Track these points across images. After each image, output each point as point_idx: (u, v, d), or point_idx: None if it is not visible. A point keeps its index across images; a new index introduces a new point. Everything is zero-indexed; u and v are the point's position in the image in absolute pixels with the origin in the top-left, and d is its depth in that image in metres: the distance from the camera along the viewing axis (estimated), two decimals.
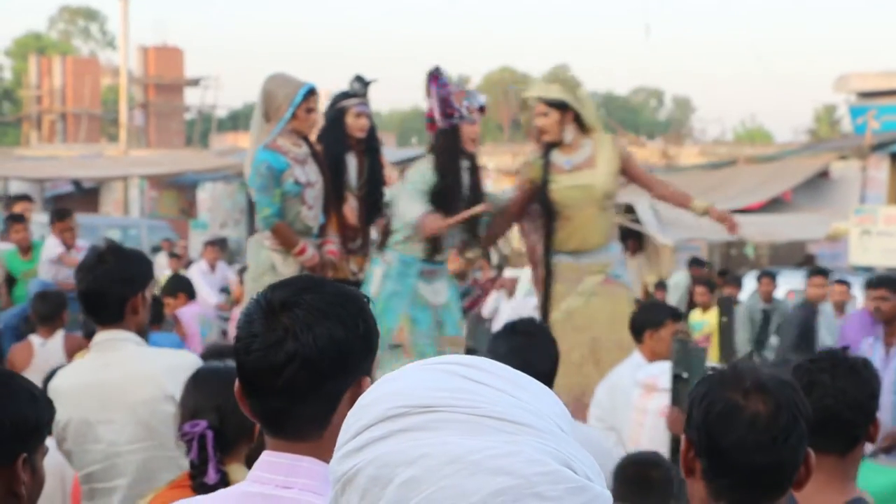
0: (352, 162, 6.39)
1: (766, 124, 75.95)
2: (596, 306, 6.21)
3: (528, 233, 6.59)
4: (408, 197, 6.00)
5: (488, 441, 1.05)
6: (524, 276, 11.39)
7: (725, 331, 10.90)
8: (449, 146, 6.03)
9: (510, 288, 12.81)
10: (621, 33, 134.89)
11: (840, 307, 10.29)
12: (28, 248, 9.78)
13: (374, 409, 1.10)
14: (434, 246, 6.07)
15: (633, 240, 17.75)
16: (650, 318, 5.34)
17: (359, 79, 6.48)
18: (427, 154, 6.21)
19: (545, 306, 6.28)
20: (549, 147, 6.33)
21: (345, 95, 6.41)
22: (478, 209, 6.06)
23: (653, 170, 22.72)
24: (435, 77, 6.07)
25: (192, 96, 42.94)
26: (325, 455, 1.75)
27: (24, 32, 64.25)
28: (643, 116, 73.55)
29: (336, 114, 6.37)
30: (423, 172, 6.07)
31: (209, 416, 2.85)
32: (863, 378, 2.77)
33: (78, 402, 3.73)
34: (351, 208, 6.36)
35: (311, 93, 6.01)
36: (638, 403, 5.01)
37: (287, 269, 5.89)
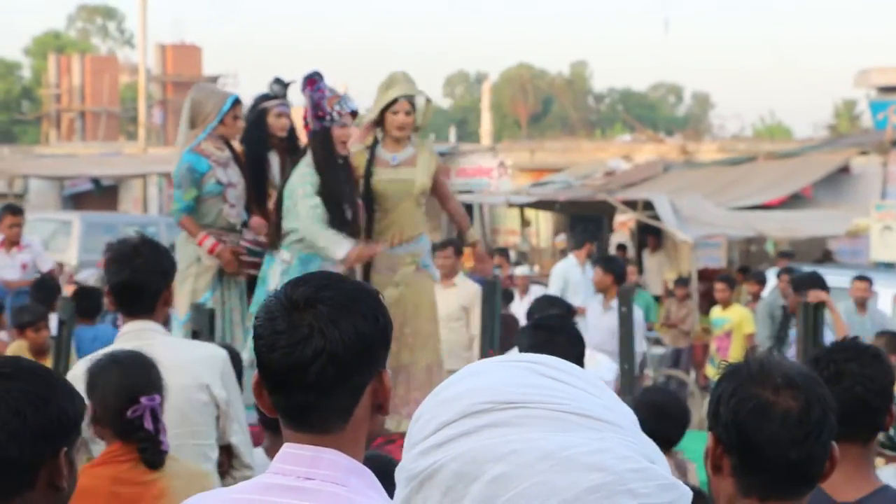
0: (275, 160, 6.79)
1: (785, 120, 75.54)
2: (406, 296, 6.54)
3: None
4: (304, 209, 6.20)
5: (577, 437, 1.05)
6: (561, 271, 11.36)
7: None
8: (322, 147, 6.27)
9: (523, 286, 12.76)
10: (640, 29, 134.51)
11: (861, 304, 10.22)
12: None
13: (455, 406, 1.09)
14: (368, 267, 6.43)
15: (653, 237, 17.71)
16: (542, 313, 5.67)
17: (278, 81, 6.88)
18: (305, 154, 6.38)
19: None
20: (375, 142, 6.60)
21: (265, 97, 6.81)
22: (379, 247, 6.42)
23: (672, 167, 22.72)
24: (312, 81, 6.32)
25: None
26: (346, 447, 1.81)
27: (43, 31, 64.50)
28: (662, 112, 73.34)
29: (258, 114, 6.75)
30: (304, 173, 6.27)
31: (151, 393, 3.09)
32: (885, 365, 2.81)
33: None
34: (275, 204, 6.56)
35: (237, 102, 6.50)
36: None
37: (209, 261, 6.37)
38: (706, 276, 15.27)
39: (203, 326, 5.51)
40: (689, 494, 1.08)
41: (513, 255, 18.88)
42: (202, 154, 6.38)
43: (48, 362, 5.77)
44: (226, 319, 6.49)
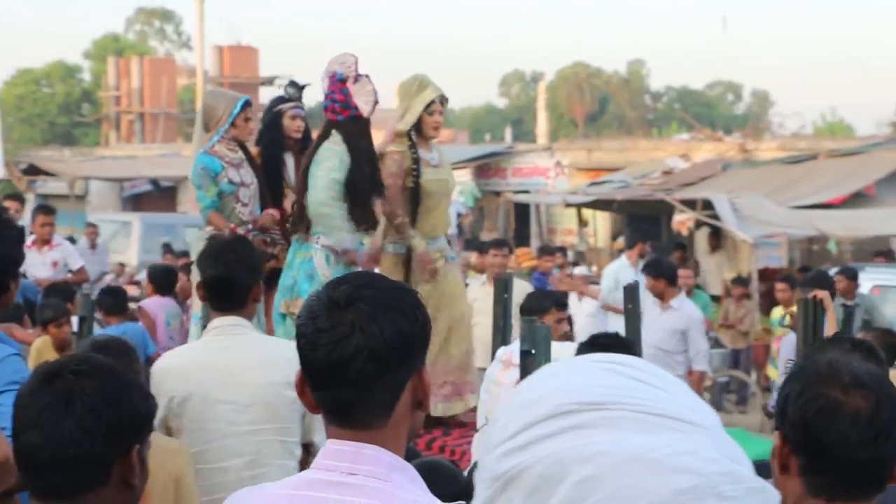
0: (290, 160, 7.00)
1: (847, 117, 74.63)
2: (438, 287, 6.79)
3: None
4: (325, 187, 6.30)
5: (663, 439, 1.04)
6: (612, 271, 11.26)
7: None
8: (358, 134, 6.39)
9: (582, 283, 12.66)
10: (697, 26, 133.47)
11: None
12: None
13: (539, 407, 1.07)
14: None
15: (713, 236, 17.51)
16: (536, 305, 5.95)
17: (293, 84, 7.19)
18: (328, 137, 6.42)
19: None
20: (412, 143, 6.76)
21: (280, 100, 7.10)
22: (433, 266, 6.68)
23: (731, 166, 22.47)
24: (336, 78, 6.49)
25: (266, 95, 43.15)
26: (388, 443, 1.84)
27: (102, 34, 65.25)
28: (720, 111, 72.72)
29: (273, 117, 7.02)
30: (337, 151, 6.34)
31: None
32: (879, 359, 2.95)
33: (200, 380, 3.77)
34: (291, 203, 6.80)
35: (247, 104, 6.70)
36: (496, 377, 5.41)
37: None
38: (767, 275, 15.08)
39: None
40: (777, 497, 1.07)
41: (570, 255, 18.77)
42: (215, 156, 6.60)
43: None
44: None
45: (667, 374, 1.13)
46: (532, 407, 1.08)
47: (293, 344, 4.34)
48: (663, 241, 20.65)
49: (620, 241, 21.46)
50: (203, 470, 3.75)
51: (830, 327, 6.98)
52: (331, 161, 6.33)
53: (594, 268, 18.72)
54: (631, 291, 6.86)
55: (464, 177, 26.10)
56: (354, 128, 6.40)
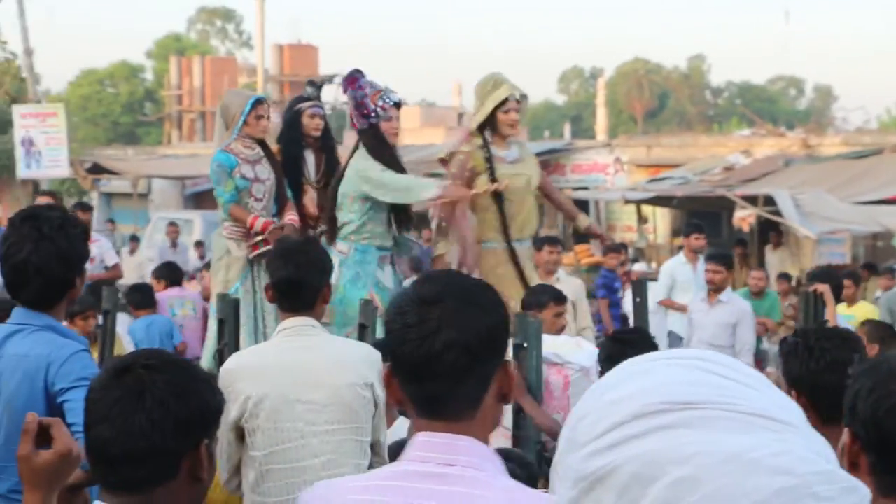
0: (310, 158, 7.19)
1: None
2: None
3: (453, 219, 6.88)
4: (380, 173, 6.54)
5: (759, 439, 1.02)
6: (668, 268, 11.17)
7: None
8: (375, 141, 6.63)
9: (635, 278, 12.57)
10: (759, 20, 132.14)
11: None
12: None
13: (627, 406, 1.06)
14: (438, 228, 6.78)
15: (775, 233, 17.32)
16: (535, 300, 6.08)
17: (312, 83, 7.44)
18: (358, 150, 6.73)
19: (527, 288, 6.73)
20: (486, 142, 6.79)
21: (300, 99, 7.28)
22: (500, 185, 6.63)
23: (793, 161, 22.22)
24: (353, 80, 6.69)
25: (326, 93, 43.42)
26: (477, 434, 1.90)
27: (164, 34, 65.98)
28: (782, 106, 71.93)
29: (293, 115, 7.18)
30: (367, 161, 6.60)
31: None
32: (863, 348, 3.12)
33: (276, 380, 3.79)
34: (311, 199, 7.12)
35: (258, 103, 6.92)
36: None
37: (240, 252, 6.80)
38: None
39: (228, 315, 5.66)
40: (869, 496, 1.06)
41: (630, 251, 18.67)
42: (231, 152, 6.85)
43: (95, 349, 5.96)
44: (257, 307, 6.78)
45: (750, 370, 1.12)
46: (619, 406, 1.07)
47: (364, 345, 4.34)
48: (724, 237, 20.47)
49: (680, 238, 21.31)
50: (280, 470, 3.76)
51: (831, 321, 7.07)
52: (362, 166, 6.59)
53: (653, 264, 18.61)
54: (639, 285, 6.93)
55: None
56: (364, 137, 6.66)
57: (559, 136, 50.18)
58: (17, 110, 20.75)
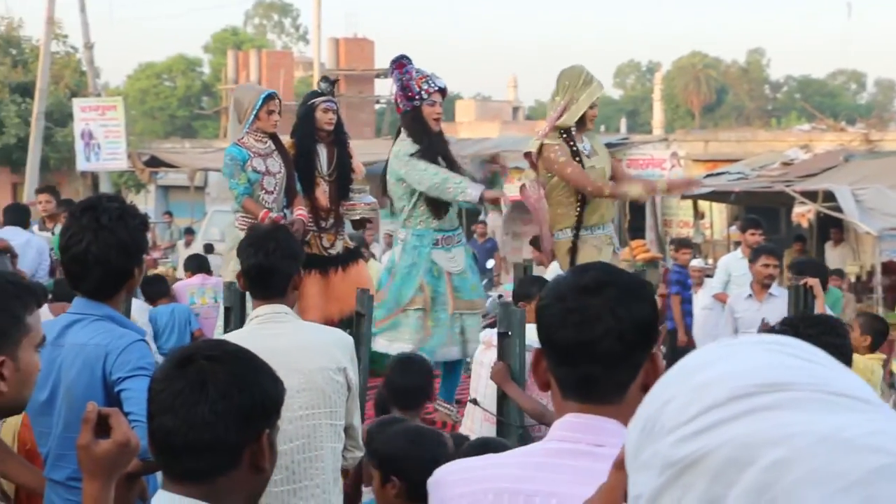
0: (323, 152, 7.40)
1: None
2: None
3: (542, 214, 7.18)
4: (422, 169, 6.74)
5: (849, 419, 1.02)
6: (724, 263, 11.08)
7: None
8: (415, 123, 6.88)
9: (698, 279, 12.47)
10: (820, 14, 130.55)
11: None
12: None
13: (715, 390, 1.05)
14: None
15: (836, 229, 17.11)
16: (524, 291, 6.24)
17: (325, 79, 7.65)
18: (399, 135, 7.03)
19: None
20: (569, 134, 6.97)
21: (314, 94, 7.48)
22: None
23: (853, 156, 21.90)
24: (400, 65, 6.97)
25: (382, 87, 43.49)
26: (622, 418, 1.94)
27: (221, 28, 66.46)
28: (842, 100, 71.02)
29: (307, 110, 7.37)
30: (405, 145, 6.87)
31: None
32: (847, 336, 3.46)
33: None
34: (322, 192, 7.35)
35: (269, 98, 7.17)
36: (479, 358, 5.66)
37: None
38: (891, 269, 14.68)
39: (234, 304, 5.82)
40: None
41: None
42: (243, 146, 7.14)
43: None
44: None
45: (825, 354, 1.12)
46: (707, 390, 1.06)
47: (336, 330, 4.34)
48: (782, 233, 20.24)
49: (736, 233, 21.11)
50: None
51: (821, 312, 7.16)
52: (404, 154, 6.82)
53: (710, 260, 18.45)
54: (643, 277, 6.96)
55: None
56: (405, 119, 6.91)
57: (615, 130, 49.90)
58: (78, 104, 21.02)
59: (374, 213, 7.61)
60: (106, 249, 3.32)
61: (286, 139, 7.43)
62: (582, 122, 7.00)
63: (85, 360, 3.29)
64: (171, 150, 32.74)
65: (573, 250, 6.94)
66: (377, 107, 44.76)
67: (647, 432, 1.09)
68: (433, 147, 6.85)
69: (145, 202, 31.16)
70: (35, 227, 11.99)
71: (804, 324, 3.34)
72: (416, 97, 6.83)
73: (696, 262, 13.61)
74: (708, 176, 23.01)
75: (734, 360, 1.08)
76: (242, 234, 6.81)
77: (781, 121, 51.47)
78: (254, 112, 7.12)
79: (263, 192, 7.12)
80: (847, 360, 3.19)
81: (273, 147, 7.19)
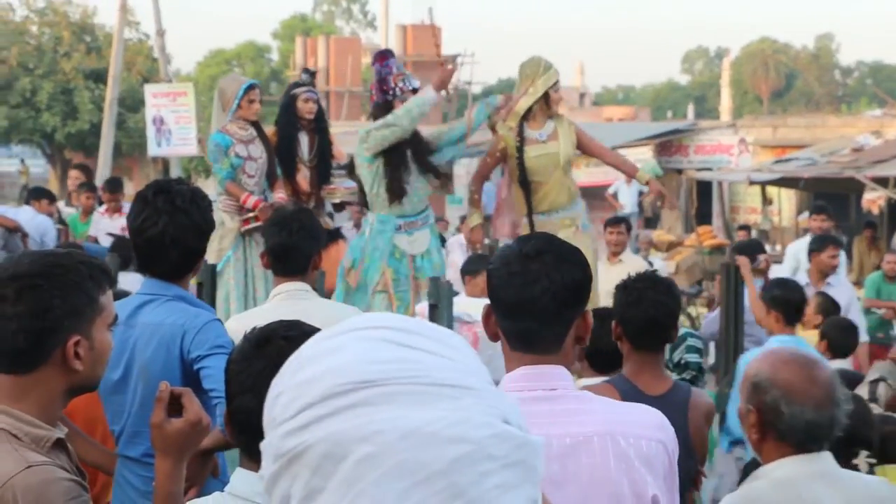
0: (304, 139, 7.87)
1: None
2: None
3: (481, 192, 7.77)
4: (374, 127, 6.99)
5: (438, 411, 1.11)
6: (793, 251, 10.97)
7: None
8: (383, 114, 7.09)
9: (766, 265, 12.32)
10: None
11: None
12: (88, 212, 11.76)
13: (315, 387, 1.14)
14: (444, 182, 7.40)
15: None
16: (472, 267, 6.79)
17: (306, 70, 8.21)
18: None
19: None
20: (521, 121, 7.37)
21: (295, 85, 8.01)
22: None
23: None
24: (383, 57, 7.26)
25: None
26: (563, 364, 2.33)
27: (290, 15, 66.81)
28: None
29: (288, 100, 7.87)
30: (368, 125, 7.18)
31: None
32: (675, 294, 3.75)
33: None
34: (304, 177, 7.80)
35: (251, 88, 7.61)
36: None
37: (233, 224, 7.49)
38: None
39: (205, 280, 6.16)
40: (540, 445, 1.17)
41: (754, 233, 18.38)
42: (226, 133, 7.52)
43: None
44: (248, 273, 7.47)
45: (443, 332, 1.20)
46: (309, 387, 1.14)
47: (354, 308, 4.65)
48: (851, 220, 19.99)
49: (805, 220, 20.87)
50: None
51: (751, 295, 7.48)
52: (364, 129, 7.17)
53: (778, 247, 18.29)
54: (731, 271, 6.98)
55: (645, 154, 25.77)
56: (376, 112, 7.16)
57: (682, 116, 49.44)
58: (149, 90, 21.26)
59: (354, 196, 7.91)
60: (182, 231, 3.40)
61: (270, 128, 7.92)
62: (548, 107, 7.39)
63: (161, 339, 3.35)
64: None
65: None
66: (443, 93, 44.66)
67: (266, 422, 1.18)
68: (394, 149, 7.03)
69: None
70: (62, 203, 12.72)
71: (634, 279, 3.75)
72: (391, 92, 7.10)
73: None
74: (777, 162, 22.77)
75: (339, 354, 1.15)
76: (225, 216, 7.46)
77: (851, 106, 50.68)
78: (236, 101, 7.52)
79: (245, 175, 7.53)
80: (669, 318, 3.60)
81: (255, 134, 7.61)
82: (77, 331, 2.36)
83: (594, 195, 26.78)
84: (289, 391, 1.16)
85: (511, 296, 2.31)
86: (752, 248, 8.80)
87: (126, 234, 11.14)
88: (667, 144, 26.96)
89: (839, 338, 6.42)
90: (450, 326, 5.37)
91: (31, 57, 34.77)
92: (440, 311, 5.45)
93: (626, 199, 23.14)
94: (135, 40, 34.40)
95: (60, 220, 11.91)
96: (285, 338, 2.14)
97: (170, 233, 3.40)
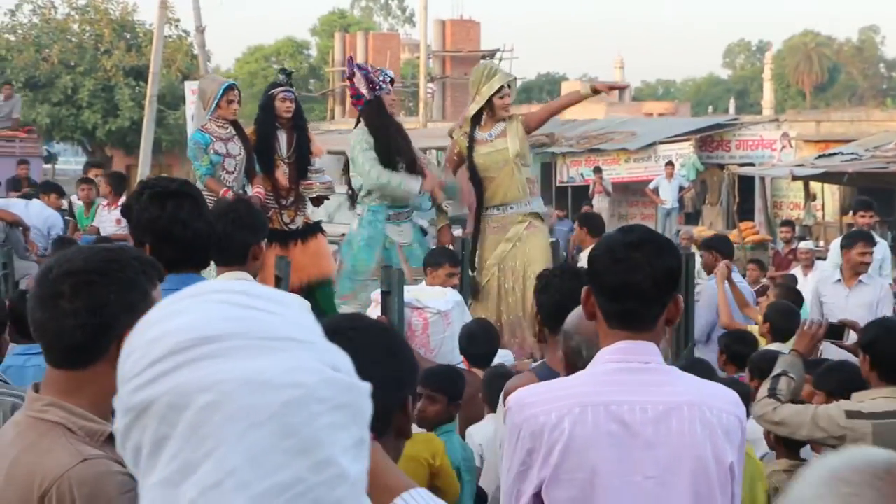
0: (282, 136, 8.22)
1: None
2: (520, 249, 7.96)
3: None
4: (370, 166, 7.73)
5: (273, 360, 1.23)
6: (835, 247, 10.82)
7: None
8: (376, 113, 7.88)
9: (807, 261, 12.18)
10: None
11: None
12: (89, 205, 12.35)
13: (160, 345, 1.25)
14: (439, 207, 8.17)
15: None
16: (434, 260, 7.09)
17: (283, 70, 8.62)
18: (358, 124, 8.05)
19: (473, 253, 8.07)
20: (473, 125, 7.99)
21: (273, 85, 8.41)
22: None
23: None
24: (351, 64, 8.09)
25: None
26: (656, 341, 2.66)
27: (328, 11, 66.98)
28: None
29: (267, 100, 8.25)
30: (360, 137, 7.86)
31: None
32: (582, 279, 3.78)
33: None
34: (283, 172, 8.15)
35: (229, 88, 8.08)
36: (369, 314, 6.06)
37: None
38: None
39: None
40: (365, 387, 1.30)
41: (797, 229, 18.19)
42: (206, 131, 7.97)
43: None
44: None
45: (281, 295, 1.33)
46: (156, 344, 1.25)
47: (293, 294, 5.04)
48: None
49: (850, 215, 20.65)
50: None
51: (719, 289, 7.84)
52: (359, 143, 7.79)
53: (821, 242, 18.09)
54: (685, 260, 7.05)
55: (686, 149, 25.59)
56: (369, 110, 7.87)
57: (724, 111, 49.10)
58: (189, 87, 21.36)
59: (330, 191, 8.33)
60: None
61: (251, 128, 8.37)
62: (494, 112, 7.97)
63: None
64: None
65: (478, 227, 8.01)
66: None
67: (118, 380, 1.29)
68: (390, 146, 7.78)
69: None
70: (74, 197, 13.43)
71: (552, 271, 4.12)
72: (377, 87, 7.78)
73: (806, 245, 13.36)
74: (820, 157, 22.53)
75: (182, 316, 1.27)
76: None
77: None
78: (215, 101, 7.96)
79: (224, 172, 7.91)
80: (577, 303, 3.66)
81: (234, 132, 8.02)
82: (132, 325, 2.36)
83: (634, 190, 26.64)
84: (137, 350, 1.27)
85: (616, 280, 2.61)
86: (724, 245, 8.75)
87: (120, 225, 11.16)
88: (708, 139, 26.73)
89: (780, 321, 6.72)
90: (401, 311, 5.82)
91: (73, 54, 35.03)
92: (392, 298, 5.76)
93: (667, 194, 22.99)
94: (174, 37, 34.55)
95: (71, 213, 12.80)
96: (352, 328, 2.14)
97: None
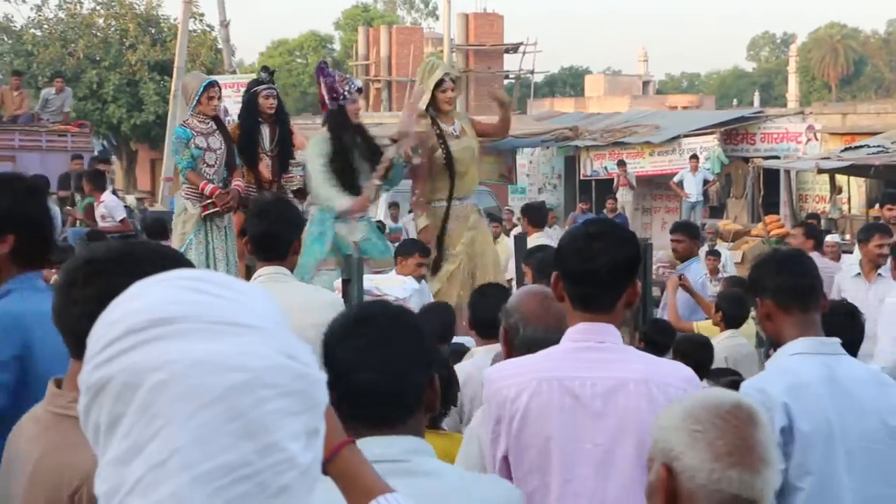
0: (265, 131, 8.57)
1: None
2: (477, 237, 8.45)
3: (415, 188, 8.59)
4: (315, 174, 7.99)
5: (223, 344, 1.27)
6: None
7: None
8: (339, 123, 8.08)
9: (833, 254, 12.11)
10: None
11: None
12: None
13: (118, 326, 1.29)
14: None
15: None
16: (405, 250, 7.50)
17: (265, 69, 8.97)
18: (322, 129, 8.27)
19: (441, 242, 8.34)
20: (434, 120, 8.22)
21: (256, 83, 8.73)
22: (382, 164, 8.08)
23: None
24: (321, 70, 8.24)
25: (511, 62, 43.28)
26: (615, 323, 2.91)
27: (352, 5, 66.98)
28: None
29: (250, 97, 8.58)
30: (319, 144, 8.06)
31: None
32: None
33: None
34: (266, 166, 8.51)
35: (210, 85, 8.36)
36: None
37: (194, 210, 8.21)
38: None
39: None
40: (321, 379, 1.33)
41: (822, 222, 18.10)
42: (187, 126, 8.27)
43: None
44: (209, 255, 8.21)
45: (240, 283, 1.36)
46: (114, 325, 1.29)
47: (329, 292, 5.09)
48: None
49: (876, 208, 20.51)
50: None
51: (671, 300, 8.02)
52: (313, 150, 8.03)
53: (847, 236, 17.99)
54: (643, 250, 7.06)
55: (710, 142, 25.48)
56: (331, 119, 8.10)
57: (748, 104, 48.86)
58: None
59: None
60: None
61: (234, 124, 8.78)
62: (437, 106, 8.22)
63: None
64: (304, 126, 33.17)
65: (446, 216, 8.29)
66: (506, 82, 44.62)
67: (84, 359, 1.32)
68: (346, 147, 8.01)
69: None
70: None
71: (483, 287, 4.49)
72: (341, 97, 8.03)
73: (832, 238, 13.28)
74: (846, 149, 22.40)
75: (141, 298, 1.31)
76: (187, 202, 8.26)
77: None
78: (197, 97, 8.25)
79: (205, 165, 8.23)
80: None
81: (215, 127, 8.31)
82: None
83: (658, 184, 26.55)
84: (99, 330, 1.31)
85: (577, 267, 2.89)
86: (690, 230, 8.97)
87: (104, 221, 12.47)
88: (733, 132, 26.61)
89: (729, 309, 7.10)
90: (360, 299, 6.02)
91: (98, 49, 35.19)
92: (352, 285, 6.01)
93: (691, 187, 22.91)
94: (199, 32, 34.67)
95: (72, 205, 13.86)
96: (384, 315, 2.30)
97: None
